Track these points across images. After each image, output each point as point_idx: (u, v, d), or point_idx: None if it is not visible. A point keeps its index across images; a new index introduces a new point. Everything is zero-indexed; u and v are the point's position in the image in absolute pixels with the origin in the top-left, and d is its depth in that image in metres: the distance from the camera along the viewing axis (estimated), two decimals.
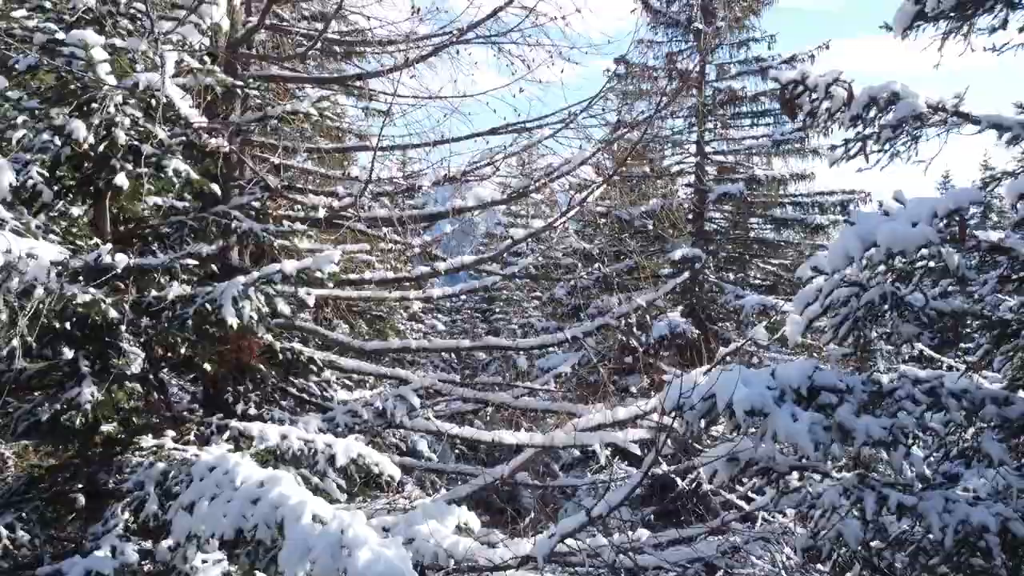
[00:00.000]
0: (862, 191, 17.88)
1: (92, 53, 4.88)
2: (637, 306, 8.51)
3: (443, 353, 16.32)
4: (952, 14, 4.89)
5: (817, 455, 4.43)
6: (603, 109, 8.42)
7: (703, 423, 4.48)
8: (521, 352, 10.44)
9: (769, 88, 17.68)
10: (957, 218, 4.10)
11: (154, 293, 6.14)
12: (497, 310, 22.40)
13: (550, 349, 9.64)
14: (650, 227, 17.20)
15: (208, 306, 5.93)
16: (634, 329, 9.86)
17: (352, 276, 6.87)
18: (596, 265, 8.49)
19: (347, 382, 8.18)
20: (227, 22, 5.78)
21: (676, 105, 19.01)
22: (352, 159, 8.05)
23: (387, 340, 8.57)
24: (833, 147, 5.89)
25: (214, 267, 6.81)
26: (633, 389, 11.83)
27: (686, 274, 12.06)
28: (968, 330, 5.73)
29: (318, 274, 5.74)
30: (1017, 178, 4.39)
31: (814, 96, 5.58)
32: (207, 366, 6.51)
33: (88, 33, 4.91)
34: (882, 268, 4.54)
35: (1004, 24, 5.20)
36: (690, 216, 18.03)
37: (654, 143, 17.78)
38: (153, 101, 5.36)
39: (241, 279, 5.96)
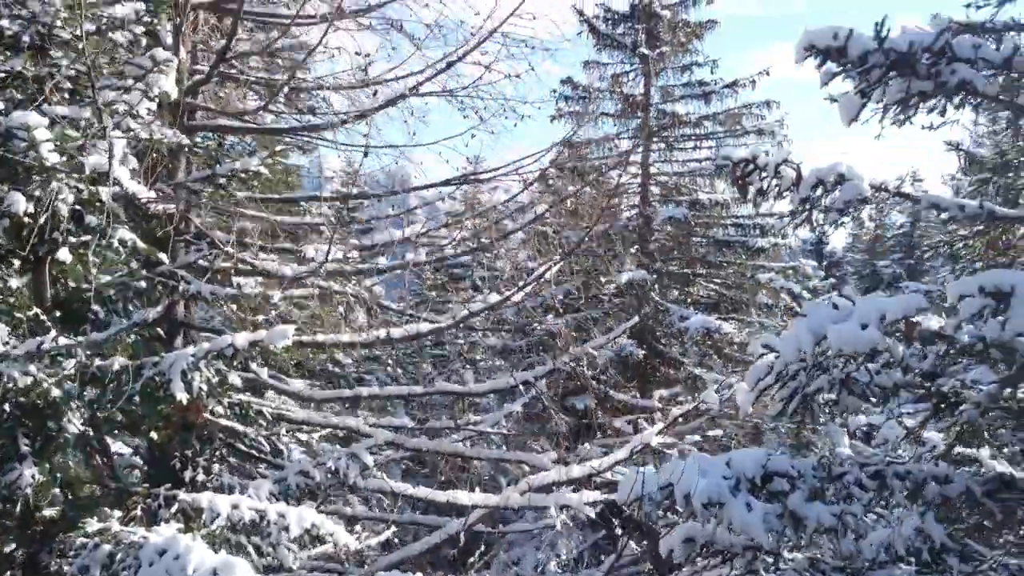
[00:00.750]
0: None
1: (35, 134, 4.70)
2: (586, 352, 8.59)
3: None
4: (896, 107, 5.07)
5: (771, 541, 4.55)
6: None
7: (661, 511, 4.57)
8: (473, 396, 10.44)
9: (712, 112, 18.05)
10: (904, 322, 4.25)
11: (98, 362, 5.95)
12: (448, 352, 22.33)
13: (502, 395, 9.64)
14: (596, 249, 17.36)
15: (156, 379, 5.77)
16: (585, 370, 9.94)
17: (304, 338, 6.76)
18: (548, 316, 8.50)
19: (299, 434, 8.06)
20: (175, 89, 5.63)
21: (622, 126, 19.34)
22: (306, 208, 7.92)
23: (338, 389, 8.47)
24: (781, 216, 6.04)
25: (159, 330, 6.63)
26: (586, 445, 11.87)
27: (635, 319, 12.22)
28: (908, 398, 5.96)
29: (272, 348, 5.64)
30: (959, 279, 4.57)
31: (764, 175, 5.71)
32: (153, 434, 6.34)
33: (31, 115, 4.72)
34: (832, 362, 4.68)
35: (943, 111, 5.41)
36: (635, 237, 18.27)
37: (601, 166, 17.97)
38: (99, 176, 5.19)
39: (190, 351, 5.82)
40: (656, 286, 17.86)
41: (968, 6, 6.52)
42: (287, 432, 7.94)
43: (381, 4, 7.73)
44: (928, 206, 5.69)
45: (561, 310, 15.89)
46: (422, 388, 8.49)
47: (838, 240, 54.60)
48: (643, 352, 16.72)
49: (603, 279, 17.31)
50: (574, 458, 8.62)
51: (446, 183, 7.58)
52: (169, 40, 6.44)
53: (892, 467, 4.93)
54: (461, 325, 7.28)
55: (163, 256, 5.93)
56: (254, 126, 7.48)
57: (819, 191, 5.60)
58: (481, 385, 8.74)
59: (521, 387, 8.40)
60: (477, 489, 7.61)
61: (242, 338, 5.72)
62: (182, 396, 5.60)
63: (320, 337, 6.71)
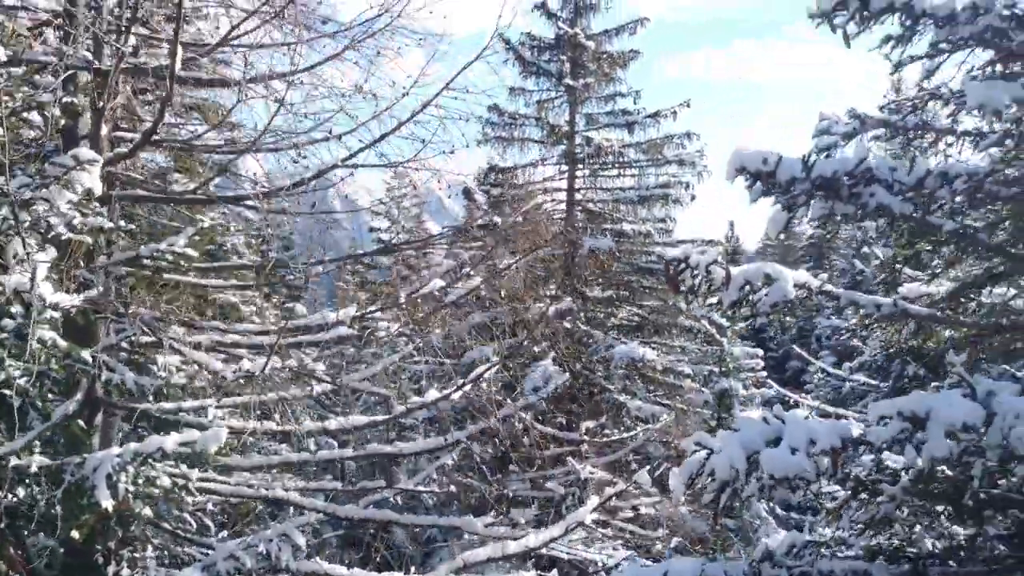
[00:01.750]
0: (719, 241, 19.06)
1: None
2: (516, 410, 8.67)
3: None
4: (819, 221, 5.32)
5: None
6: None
7: None
8: (406, 458, 10.39)
9: (635, 141, 18.42)
10: (832, 451, 4.47)
11: (14, 462, 5.68)
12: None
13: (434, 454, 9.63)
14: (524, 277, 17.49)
15: (79, 483, 5.55)
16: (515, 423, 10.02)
17: (235, 423, 6.60)
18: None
19: (227, 508, 7.87)
20: (100, 185, 5.41)
21: (547, 152, 19.52)
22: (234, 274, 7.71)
23: (268, 456, 8.29)
24: (712, 306, 6.26)
25: (80, 422, 6.36)
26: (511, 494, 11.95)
27: (566, 376, 12.40)
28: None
29: (203, 452, 5.50)
30: (879, 401, 4.82)
31: (696, 274, 5.88)
32: (75, 533, 6.08)
33: None
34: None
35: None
36: (562, 261, 18.48)
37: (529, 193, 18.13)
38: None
39: (116, 452, 5.61)
40: (582, 313, 18.15)
41: (882, 108, 6.89)
42: (215, 505, 7.74)
43: (306, 68, 7.56)
44: (847, 303, 5.98)
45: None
46: (353, 451, 8.40)
47: (750, 244, 56.51)
48: (569, 379, 16.92)
49: (530, 306, 17.46)
50: (506, 521, 8.69)
51: (384, 251, 7.50)
52: (89, 120, 6.17)
53: (817, 566, 5.18)
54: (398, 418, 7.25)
55: (86, 355, 5.68)
56: (172, 196, 7.24)
57: (748, 291, 5.80)
58: (412, 445, 8.71)
59: (454, 444, 8.43)
60: (413, 569, 7.59)
61: (172, 441, 5.55)
62: (108, 503, 5.41)
63: (251, 424, 6.57)
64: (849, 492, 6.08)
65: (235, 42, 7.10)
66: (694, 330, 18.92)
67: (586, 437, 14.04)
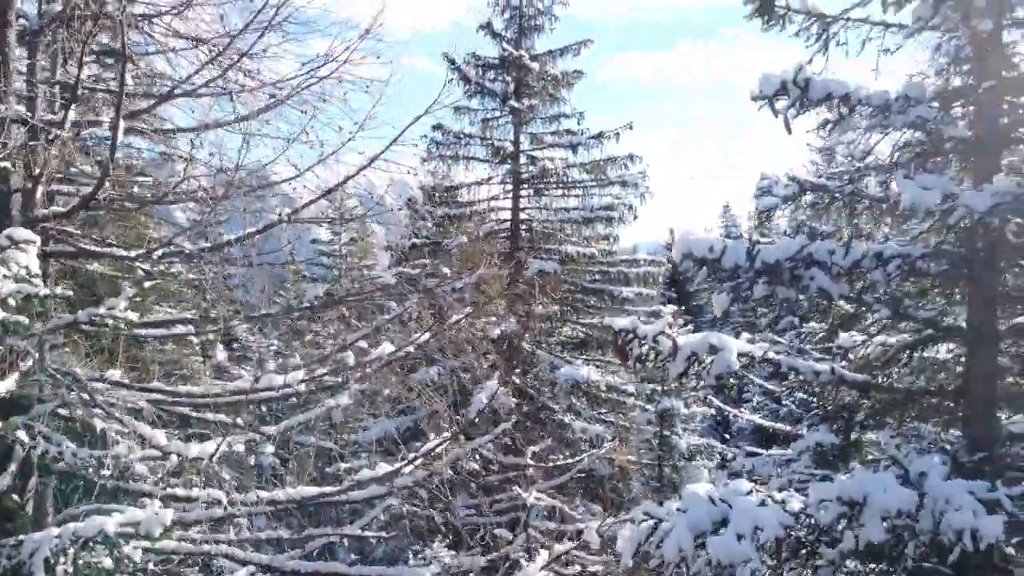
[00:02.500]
0: (660, 260, 19.40)
1: None
2: (459, 454, 8.70)
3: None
4: (762, 300, 5.50)
5: None
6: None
7: None
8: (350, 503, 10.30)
9: (579, 162, 18.60)
10: (776, 540, 4.62)
11: None
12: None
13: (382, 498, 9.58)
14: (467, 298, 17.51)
15: (16, 568, 5.37)
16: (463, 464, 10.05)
17: (179, 491, 6.47)
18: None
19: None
20: (37, 263, 5.23)
21: (493, 171, 19.57)
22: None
23: (212, 509, 8.14)
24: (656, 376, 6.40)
25: (14, 496, 6.15)
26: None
27: (509, 423, 12.47)
28: None
29: (146, 533, 5.38)
30: (819, 484, 5.01)
31: (643, 343, 6.00)
32: None
33: None
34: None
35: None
36: (507, 283, 18.54)
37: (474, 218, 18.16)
38: None
39: (55, 534, 5.45)
40: (527, 334, 18.26)
41: (820, 176, 7.12)
42: (155, 565, 7.58)
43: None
44: (788, 369, 6.18)
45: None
46: (298, 495, 8.31)
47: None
48: (515, 401, 17.02)
49: (476, 326, 17.48)
50: (456, 568, 8.72)
51: (319, 308, 7.44)
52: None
53: None
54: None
55: (23, 435, 5.49)
56: (113, 252, 7.05)
57: (694, 361, 5.94)
58: (359, 492, 8.66)
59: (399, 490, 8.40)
60: None
61: (113, 523, 5.42)
62: None
63: (196, 492, 6.44)
64: (789, 553, 6.30)
65: (179, 95, 6.95)
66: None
67: (531, 462, 14.13)
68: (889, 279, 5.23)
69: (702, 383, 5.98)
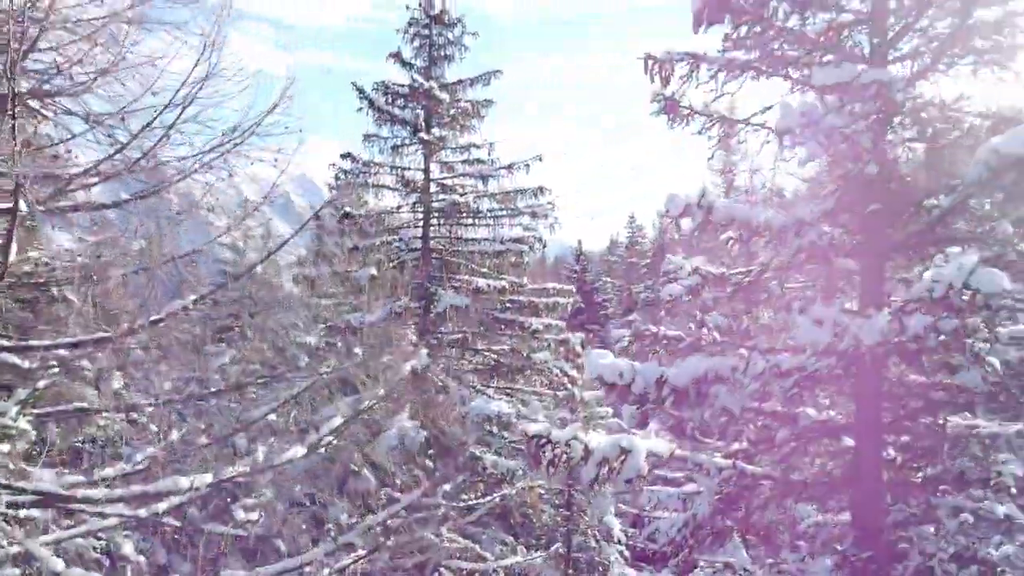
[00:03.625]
0: (568, 290, 19.73)
1: None
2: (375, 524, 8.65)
3: None
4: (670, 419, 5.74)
5: None
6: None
7: None
8: None
9: (489, 192, 18.70)
10: None
11: None
12: None
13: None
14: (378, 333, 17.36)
15: None
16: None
17: None
18: None
19: None
20: None
21: (403, 200, 19.43)
22: None
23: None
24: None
25: None
26: None
27: (414, 494, 12.47)
28: None
29: None
30: None
31: (556, 448, 6.15)
32: None
33: None
34: None
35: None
36: (418, 314, 18.49)
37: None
38: None
39: None
40: (438, 365, 18.24)
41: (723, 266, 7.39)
42: None
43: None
44: (694, 466, 6.45)
45: None
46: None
47: (597, 244, 58.83)
48: (425, 434, 17.00)
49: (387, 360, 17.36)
50: None
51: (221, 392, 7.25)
52: None
53: None
54: None
55: None
56: None
57: (604, 465, 6.13)
58: (273, 568, 8.53)
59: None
60: None
61: None
62: None
63: None
64: None
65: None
66: (547, 372, 19.45)
67: (443, 501, 14.15)
68: (787, 392, 5.54)
69: (612, 488, 6.16)
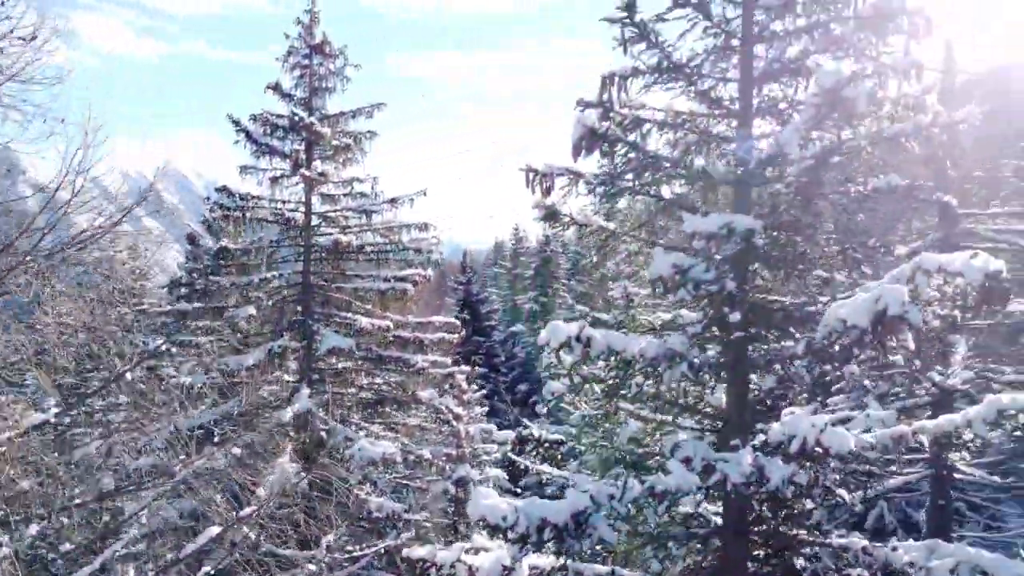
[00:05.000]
0: (453, 322, 19.75)
1: None
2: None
3: None
4: None
5: None
6: None
7: None
8: None
9: (373, 227, 18.49)
10: None
11: None
12: None
13: None
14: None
15: None
16: None
17: None
18: None
19: None
20: None
21: (283, 234, 18.88)
22: None
23: None
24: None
25: None
26: None
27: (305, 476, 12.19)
28: None
29: None
30: None
31: (441, 571, 6.21)
32: None
33: None
34: None
35: None
36: (300, 352, 18.05)
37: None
38: None
39: None
40: (319, 403, 17.87)
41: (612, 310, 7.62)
42: None
43: None
44: (574, 574, 6.65)
45: None
46: None
47: (492, 239, 59.13)
48: (308, 478, 16.65)
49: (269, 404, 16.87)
50: None
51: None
52: None
53: None
54: None
55: None
56: None
57: None
58: None
59: None
60: None
61: None
62: None
63: None
64: None
65: None
66: (432, 406, 19.40)
67: (327, 553, 13.93)
68: (659, 514, 5.82)
69: None
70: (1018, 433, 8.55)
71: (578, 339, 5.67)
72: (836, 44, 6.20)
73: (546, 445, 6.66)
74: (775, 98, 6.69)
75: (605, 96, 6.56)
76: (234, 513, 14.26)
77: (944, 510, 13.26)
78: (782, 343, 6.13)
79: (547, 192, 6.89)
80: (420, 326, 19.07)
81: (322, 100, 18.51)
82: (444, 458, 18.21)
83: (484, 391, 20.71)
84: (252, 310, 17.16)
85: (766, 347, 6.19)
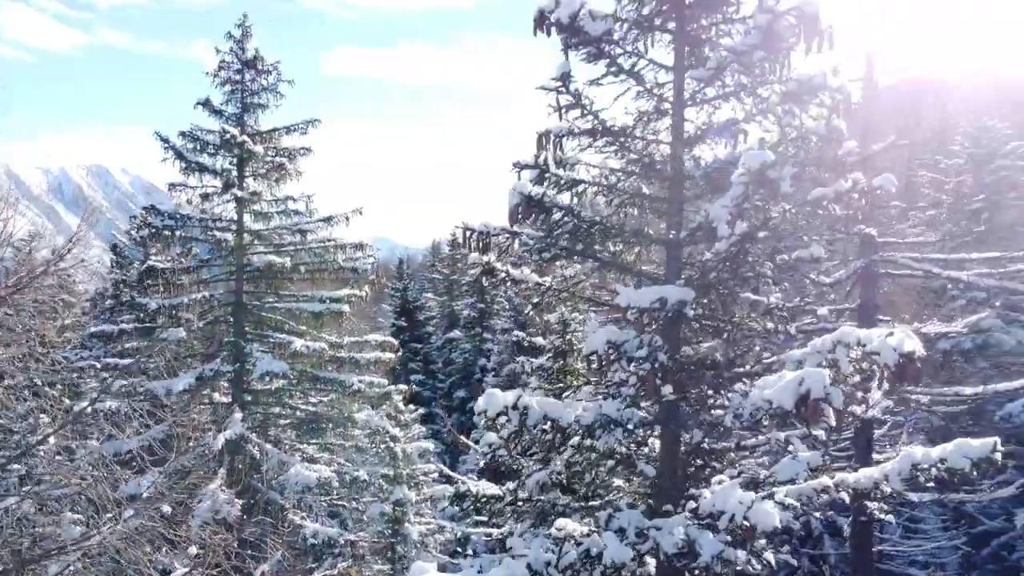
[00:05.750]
0: (390, 341, 19.63)
1: None
2: None
3: None
4: None
5: None
6: None
7: None
8: None
9: (308, 246, 18.23)
10: None
11: None
12: None
13: None
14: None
15: None
16: None
17: None
18: None
19: None
20: None
21: (215, 253, 18.43)
22: None
23: None
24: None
25: None
26: None
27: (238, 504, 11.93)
28: None
29: None
30: None
31: None
32: None
33: None
34: None
35: None
36: (232, 375, 17.68)
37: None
38: None
39: None
40: (252, 425, 17.56)
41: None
42: None
43: None
44: None
45: None
46: None
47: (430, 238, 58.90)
48: (241, 503, 16.35)
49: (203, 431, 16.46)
50: None
51: None
52: None
53: None
54: None
55: None
56: None
57: None
58: None
59: None
60: None
61: None
62: None
63: None
64: None
65: None
66: (368, 427, 19.18)
67: None
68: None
69: None
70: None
71: (515, 408, 5.74)
72: (763, 113, 6.43)
73: (483, 500, 6.70)
74: (706, 160, 6.88)
75: (541, 157, 6.65)
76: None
77: (866, 521, 13.90)
78: (711, 408, 6.35)
79: (484, 250, 6.95)
80: (356, 345, 18.90)
81: (255, 116, 18.14)
82: (381, 479, 18.10)
83: (421, 410, 20.57)
84: (182, 332, 16.73)
85: (698, 407, 6.39)
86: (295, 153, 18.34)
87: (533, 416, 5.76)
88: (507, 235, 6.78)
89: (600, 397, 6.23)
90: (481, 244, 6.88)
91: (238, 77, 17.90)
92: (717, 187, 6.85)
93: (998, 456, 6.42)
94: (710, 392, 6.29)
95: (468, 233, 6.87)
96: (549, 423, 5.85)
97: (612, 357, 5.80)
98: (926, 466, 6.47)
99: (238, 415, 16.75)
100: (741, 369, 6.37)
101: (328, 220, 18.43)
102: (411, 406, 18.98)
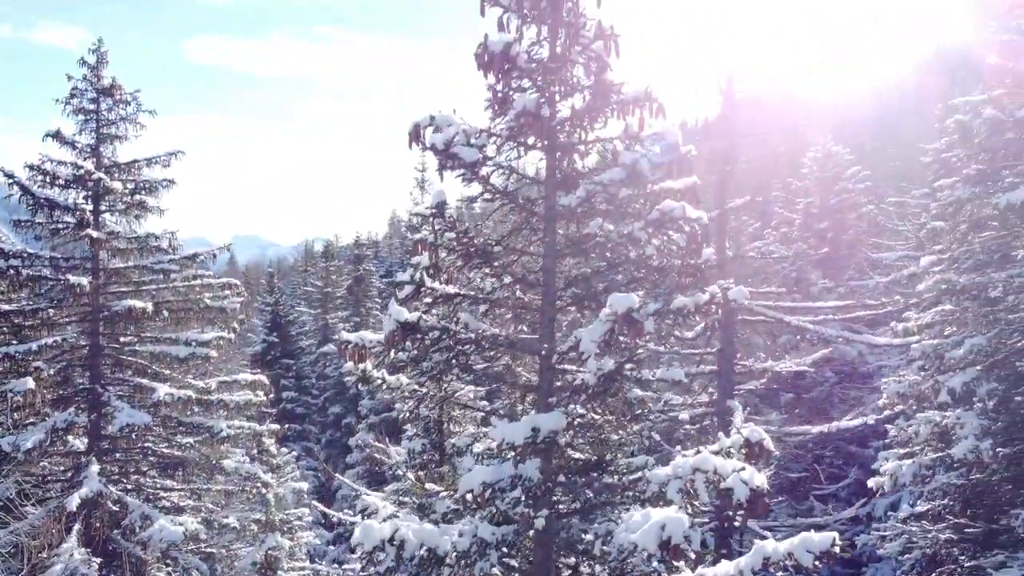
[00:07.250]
0: (261, 380, 19.06)
1: None
2: None
3: None
4: None
5: None
6: None
7: None
8: None
9: (172, 286, 17.43)
10: None
11: None
12: None
13: None
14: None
15: None
16: None
17: None
18: None
19: None
20: None
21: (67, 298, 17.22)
22: None
23: None
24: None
25: None
26: None
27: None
28: None
29: None
30: None
31: None
32: None
33: None
34: None
35: None
36: (88, 425, 16.67)
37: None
38: None
39: None
40: (115, 483, 16.63)
41: None
42: None
43: None
44: None
45: None
46: None
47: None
48: (99, 561, 15.50)
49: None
50: None
51: None
52: None
53: None
54: None
55: None
56: None
57: None
58: None
59: None
60: None
61: None
62: None
63: None
64: None
65: None
66: (239, 473, 18.55)
67: None
68: None
69: None
70: None
71: (391, 542, 5.81)
72: (629, 238, 6.77)
73: None
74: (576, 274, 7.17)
75: (417, 275, 6.72)
76: None
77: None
78: (583, 533, 6.66)
79: (360, 360, 6.96)
80: (225, 385, 18.23)
81: (112, 148, 17.12)
82: (254, 524, 17.62)
83: (294, 453, 20.13)
84: (31, 383, 15.58)
85: (567, 535, 6.69)
86: (156, 186, 17.44)
87: (410, 548, 5.84)
88: (384, 347, 6.82)
89: (478, 517, 6.40)
90: (356, 355, 6.89)
91: (92, 106, 16.85)
92: (587, 296, 7.16)
93: (836, 549, 7.10)
94: (582, 525, 6.58)
95: (345, 346, 6.86)
96: (425, 550, 5.95)
97: (487, 496, 5.98)
98: (775, 560, 7.05)
99: (95, 468, 15.85)
100: (611, 480, 6.70)
101: (193, 258, 17.73)
102: (284, 449, 18.55)
